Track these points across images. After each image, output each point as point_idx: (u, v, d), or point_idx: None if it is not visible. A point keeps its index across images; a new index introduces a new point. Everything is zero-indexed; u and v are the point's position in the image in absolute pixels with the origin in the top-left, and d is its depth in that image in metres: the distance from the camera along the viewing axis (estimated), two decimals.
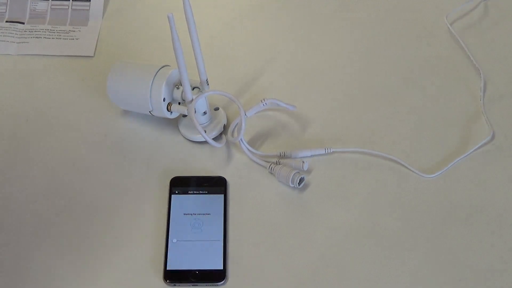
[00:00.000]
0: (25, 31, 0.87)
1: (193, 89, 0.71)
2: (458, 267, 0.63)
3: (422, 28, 0.87)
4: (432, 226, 0.66)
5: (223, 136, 0.74)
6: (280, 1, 0.91)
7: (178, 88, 0.71)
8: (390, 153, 0.72)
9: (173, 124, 0.75)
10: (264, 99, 0.74)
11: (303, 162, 0.70)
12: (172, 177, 0.70)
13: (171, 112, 0.72)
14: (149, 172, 0.71)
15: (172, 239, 0.65)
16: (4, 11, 0.89)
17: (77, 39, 0.86)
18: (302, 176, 0.69)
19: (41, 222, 0.67)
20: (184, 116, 0.74)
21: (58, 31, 0.87)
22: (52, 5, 0.89)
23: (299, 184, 0.68)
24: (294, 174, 0.68)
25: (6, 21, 0.88)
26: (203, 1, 0.90)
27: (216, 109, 0.76)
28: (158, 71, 0.70)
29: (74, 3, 0.89)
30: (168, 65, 0.72)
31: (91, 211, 0.68)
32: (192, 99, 0.69)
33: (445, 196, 0.69)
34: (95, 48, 0.85)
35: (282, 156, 0.72)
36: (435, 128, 0.75)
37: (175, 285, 0.62)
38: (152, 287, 0.62)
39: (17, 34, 0.86)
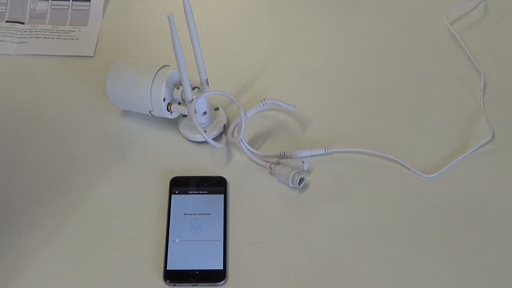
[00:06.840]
0: (25, 31, 0.87)
1: (193, 89, 0.71)
2: (458, 267, 0.63)
3: (422, 28, 0.87)
4: (432, 226, 0.66)
5: (223, 136, 0.74)
6: (280, 1, 0.91)
7: (178, 88, 0.71)
8: (390, 153, 0.72)
9: (173, 124, 0.75)
10: (264, 99, 0.74)
11: (303, 162, 0.70)
12: (172, 177, 0.70)
13: (171, 112, 0.72)
14: (149, 172, 0.71)
15: (172, 239, 0.65)
16: (4, 11, 0.89)
17: (77, 39, 0.86)
18: (302, 176, 0.69)
19: (41, 222, 0.67)
20: (184, 116, 0.74)
21: (58, 31, 0.87)
22: (52, 5, 0.89)
23: (299, 184, 0.68)
24: (294, 174, 0.68)
25: (6, 21, 0.88)
26: (203, 1, 0.91)
27: (216, 109, 0.76)
28: (158, 71, 0.70)
29: (74, 3, 0.89)
30: (168, 65, 0.72)
31: (91, 211, 0.68)
32: (192, 99, 0.69)
33: (445, 196, 0.69)
34: (95, 48, 0.85)
35: (282, 156, 0.72)
36: (435, 128, 0.75)
37: (175, 285, 0.62)
38: (152, 287, 0.62)
39: (17, 34, 0.86)
